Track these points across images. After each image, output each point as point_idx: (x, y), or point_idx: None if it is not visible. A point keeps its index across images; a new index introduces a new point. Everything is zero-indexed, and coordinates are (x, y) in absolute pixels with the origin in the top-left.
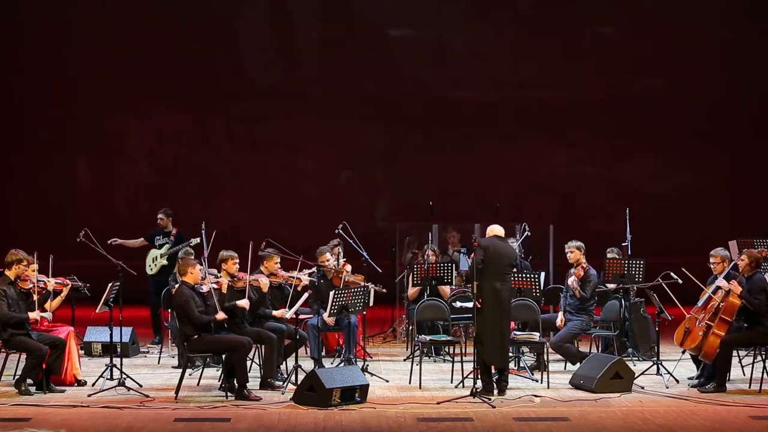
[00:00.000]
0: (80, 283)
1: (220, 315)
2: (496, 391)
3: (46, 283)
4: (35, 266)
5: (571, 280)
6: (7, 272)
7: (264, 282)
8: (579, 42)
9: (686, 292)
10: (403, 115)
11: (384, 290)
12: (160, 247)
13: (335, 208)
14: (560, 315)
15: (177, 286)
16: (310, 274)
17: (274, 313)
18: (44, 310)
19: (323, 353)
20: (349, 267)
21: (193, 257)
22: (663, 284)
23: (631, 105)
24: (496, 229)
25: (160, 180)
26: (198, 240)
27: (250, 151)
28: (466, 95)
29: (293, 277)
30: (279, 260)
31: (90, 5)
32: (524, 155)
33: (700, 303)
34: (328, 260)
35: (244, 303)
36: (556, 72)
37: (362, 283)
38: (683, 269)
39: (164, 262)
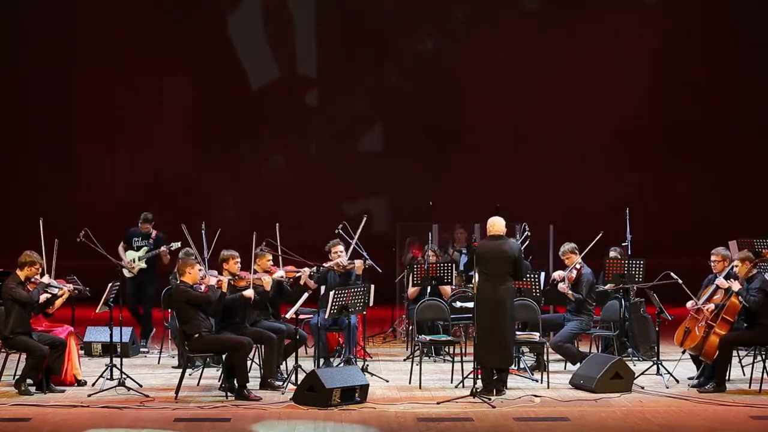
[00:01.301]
0: (81, 286)
1: (249, 292)
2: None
3: (60, 288)
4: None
5: (562, 286)
6: (18, 272)
7: (267, 280)
8: (578, 41)
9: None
10: (404, 114)
11: (367, 263)
12: (138, 249)
13: (335, 208)
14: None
15: (176, 284)
16: (310, 275)
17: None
18: (46, 315)
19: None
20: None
21: (194, 257)
22: (681, 284)
23: (632, 105)
24: (495, 227)
25: (160, 180)
26: (179, 244)
27: (249, 151)
28: (467, 95)
29: (286, 272)
30: (271, 258)
31: (90, 5)
32: (525, 154)
33: (699, 303)
34: (341, 252)
35: (249, 293)
36: (556, 72)
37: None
38: (671, 273)
39: (143, 265)
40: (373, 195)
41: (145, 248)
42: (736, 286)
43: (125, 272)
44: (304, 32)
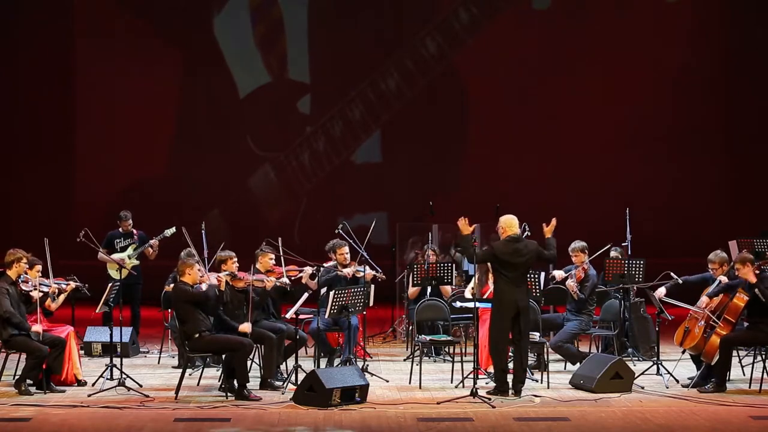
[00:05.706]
0: (80, 284)
1: (246, 327)
2: (511, 392)
3: (50, 287)
4: (39, 268)
5: (570, 284)
6: (8, 272)
7: (271, 280)
8: (577, 42)
9: (687, 292)
10: (403, 113)
11: (383, 276)
12: (123, 249)
13: (330, 220)
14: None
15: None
16: (311, 275)
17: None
18: (44, 310)
19: (321, 354)
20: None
21: (195, 258)
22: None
23: (632, 105)
24: (512, 228)
25: (158, 180)
26: (173, 230)
27: (247, 151)
28: (465, 93)
29: (289, 271)
30: (273, 257)
31: (90, 5)
32: (525, 155)
33: (699, 302)
34: (347, 254)
35: (246, 327)
36: (555, 69)
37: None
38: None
39: (135, 262)
40: (370, 207)
41: (133, 245)
42: (753, 278)
43: (112, 273)
44: (296, 33)
